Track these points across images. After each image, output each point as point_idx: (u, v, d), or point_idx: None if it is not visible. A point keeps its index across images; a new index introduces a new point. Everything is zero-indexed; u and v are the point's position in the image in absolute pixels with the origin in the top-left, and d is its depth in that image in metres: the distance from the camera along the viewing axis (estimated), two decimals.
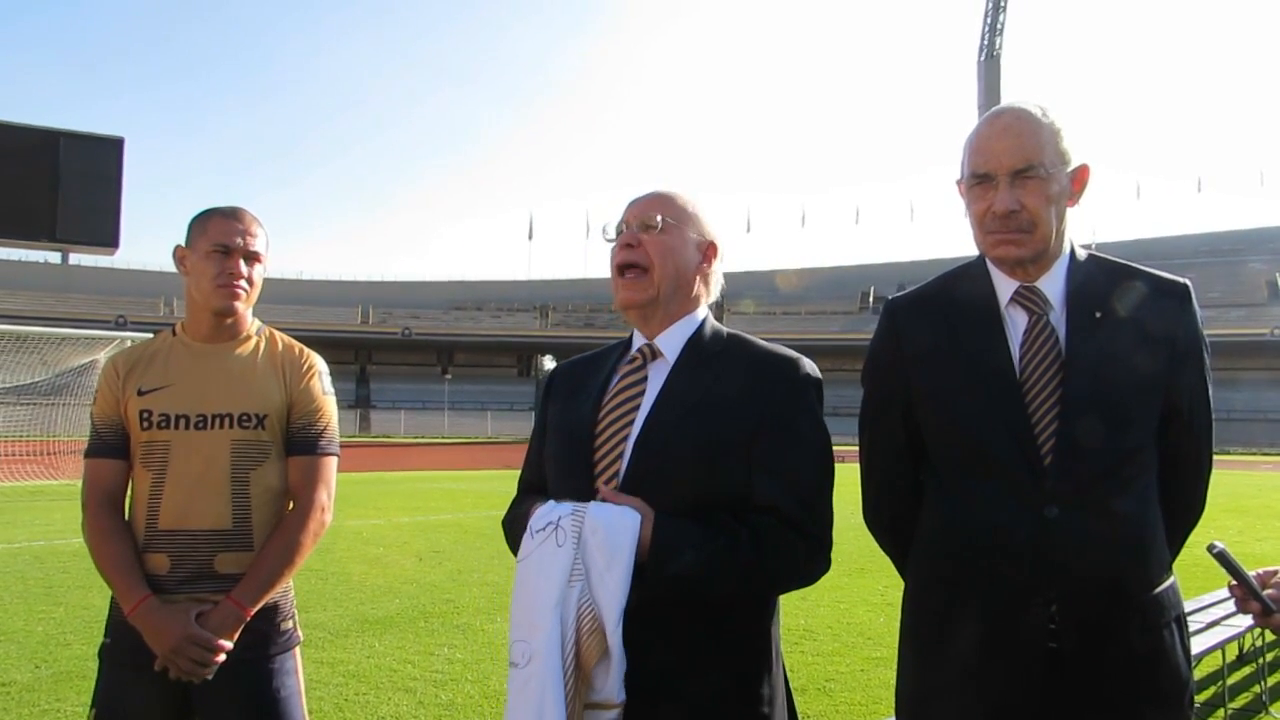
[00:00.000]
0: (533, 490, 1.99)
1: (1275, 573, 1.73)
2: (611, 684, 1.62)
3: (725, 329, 1.93)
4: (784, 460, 1.76)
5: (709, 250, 1.93)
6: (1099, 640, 1.77)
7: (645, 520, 1.67)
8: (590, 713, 1.64)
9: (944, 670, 1.88)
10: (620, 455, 1.79)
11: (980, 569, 1.84)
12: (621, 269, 1.88)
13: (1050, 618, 1.77)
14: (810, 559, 1.78)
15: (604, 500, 1.73)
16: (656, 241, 1.86)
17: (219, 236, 2.33)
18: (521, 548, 1.72)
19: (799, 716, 1.88)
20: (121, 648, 2.25)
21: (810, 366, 1.85)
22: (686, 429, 1.77)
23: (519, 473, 2.08)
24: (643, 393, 1.85)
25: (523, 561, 1.70)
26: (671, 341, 1.88)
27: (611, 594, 1.62)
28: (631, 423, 1.81)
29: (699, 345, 1.88)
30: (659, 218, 1.87)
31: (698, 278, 1.91)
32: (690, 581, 1.68)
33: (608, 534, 1.65)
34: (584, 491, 1.76)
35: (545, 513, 1.72)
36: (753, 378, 1.81)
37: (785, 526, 1.73)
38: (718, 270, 1.96)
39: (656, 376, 1.86)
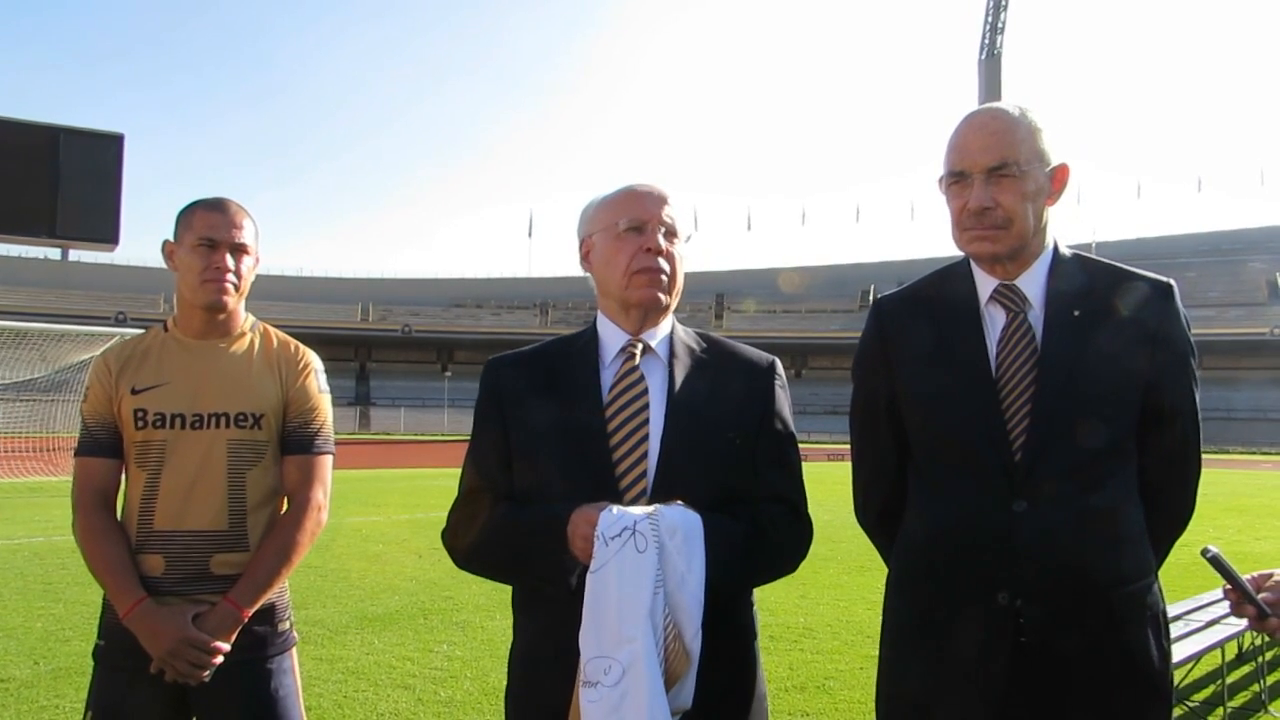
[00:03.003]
0: (500, 496, 1.86)
1: (1269, 576, 1.72)
2: (686, 691, 1.60)
3: (689, 328, 2.01)
4: (783, 453, 1.92)
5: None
6: (1067, 635, 1.77)
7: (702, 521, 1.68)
8: None
9: (917, 668, 1.89)
10: (645, 456, 1.78)
11: (951, 565, 1.86)
12: (652, 271, 1.85)
13: (1018, 613, 1.77)
14: (807, 541, 1.93)
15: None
16: (676, 251, 1.90)
17: (204, 230, 2.27)
18: (595, 558, 1.60)
19: (788, 717, 1.89)
20: (116, 650, 2.22)
21: (780, 364, 2.01)
22: (708, 430, 1.82)
23: (466, 477, 1.92)
24: (646, 390, 1.83)
25: (596, 572, 1.59)
26: (657, 337, 1.91)
27: (693, 597, 1.59)
28: (646, 422, 1.81)
29: (681, 342, 1.94)
30: (679, 226, 1.91)
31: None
32: (735, 578, 1.76)
33: (686, 536, 1.62)
34: (605, 493, 1.72)
35: (617, 519, 1.61)
36: (751, 379, 1.92)
37: (790, 513, 1.88)
38: None
39: (653, 374, 1.86)
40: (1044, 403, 1.80)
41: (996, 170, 1.82)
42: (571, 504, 1.69)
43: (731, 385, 1.88)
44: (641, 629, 1.54)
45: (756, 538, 1.79)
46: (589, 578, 1.60)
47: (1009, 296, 1.90)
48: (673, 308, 1.94)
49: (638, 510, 1.63)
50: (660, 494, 1.73)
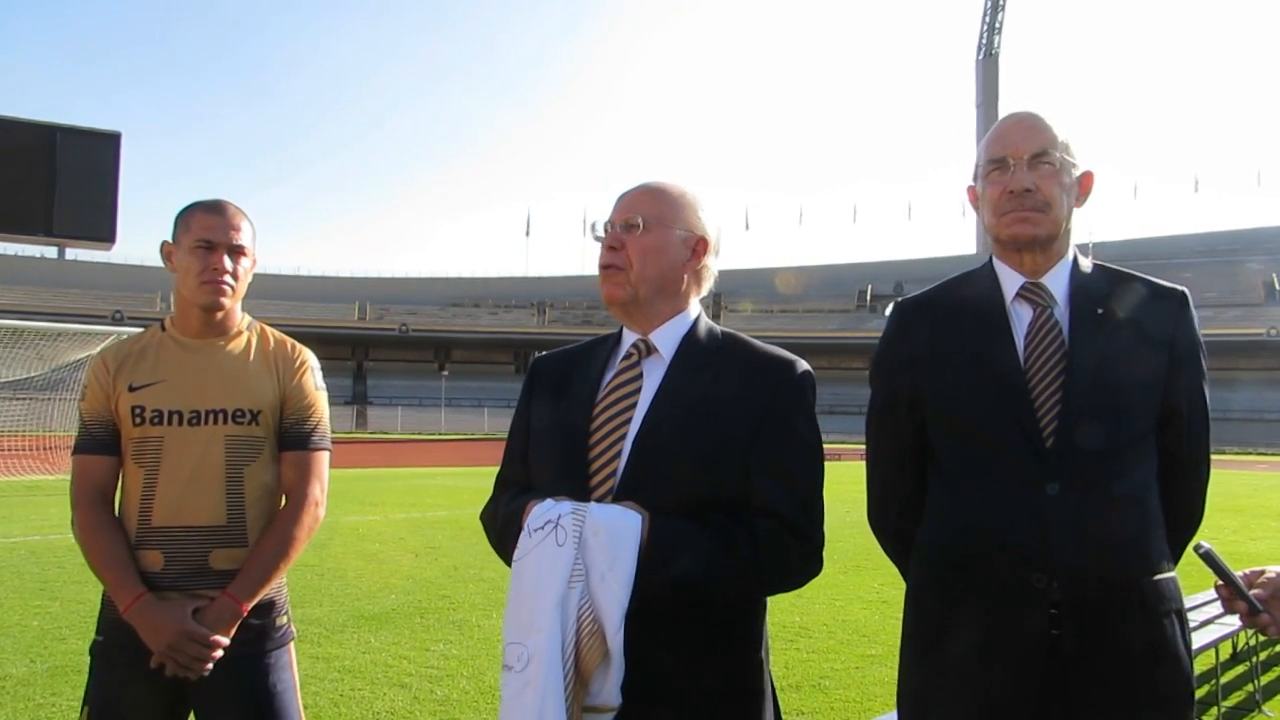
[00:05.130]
0: (511, 486, 1.92)
1: (1262, 572, 1.73)
2: (609, 688, 1.59)
3: (719, 327, 1.91)
4: (783, 463, 1.76)
5: (699, 245, 1.87)
6: (1098, 624, 1.80)
7: (643, 521, 1.64)
8: (587, 715, 1.61)
9: (946, 667, 1.90)
10: (618, 455, 1.75)
11: (982, 557, 1.87)
12: (603, 268, 1.85)
13: (1051, 601, 1.80)
14: (805, 562, 1.77)
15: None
16: (638, 243, 1.81)
17: (202, 232, 2.30)
18: (518, 547, 1.65)
19: (783, 715, 1.87)
20: (115, 645, 2.23)
21: (806, 368, 1.84)
22: (685, 430, 1.74)
23: (498, 469, 2.01)
24: (639, 390, 1.81)
25: (519, 561, 1.64)
26: (666, 338, 1.84)
27: (614, 596, 1.58)
28: (628, 422, 1.77)
29: (694, 343, 1.84)
30: (640, 218, 1.82)
31: (686, 275, 1.86)
32: (685, 583, 1.66)
33: (610, 534, 1.61)
34: (578, 493, 1.72)
35: (544, 511, 1.65)
36: (751, 379, 1.79)
37: (783, 529, 1.72)
38: (710, 264, 1.90)
39: (652, 374, 1.82)
40: (1074, 393, 1.85)
41: (1038, 157, 1.91)
42: (534, 495, 1.73)
43: (730, 387, 1.77)
44: (550, 620, 1.56)
45: (723, 550, 1.67)
46: (513, 566, 1.65)
47: (1035, 293, 1.95)
48: (645, 302, 1.83)
49: (567, 504, 1.65)
50: (626, 496, 1.71)
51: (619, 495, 1.72)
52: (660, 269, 1.83)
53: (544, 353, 2.04)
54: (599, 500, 1.72)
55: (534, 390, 1.96)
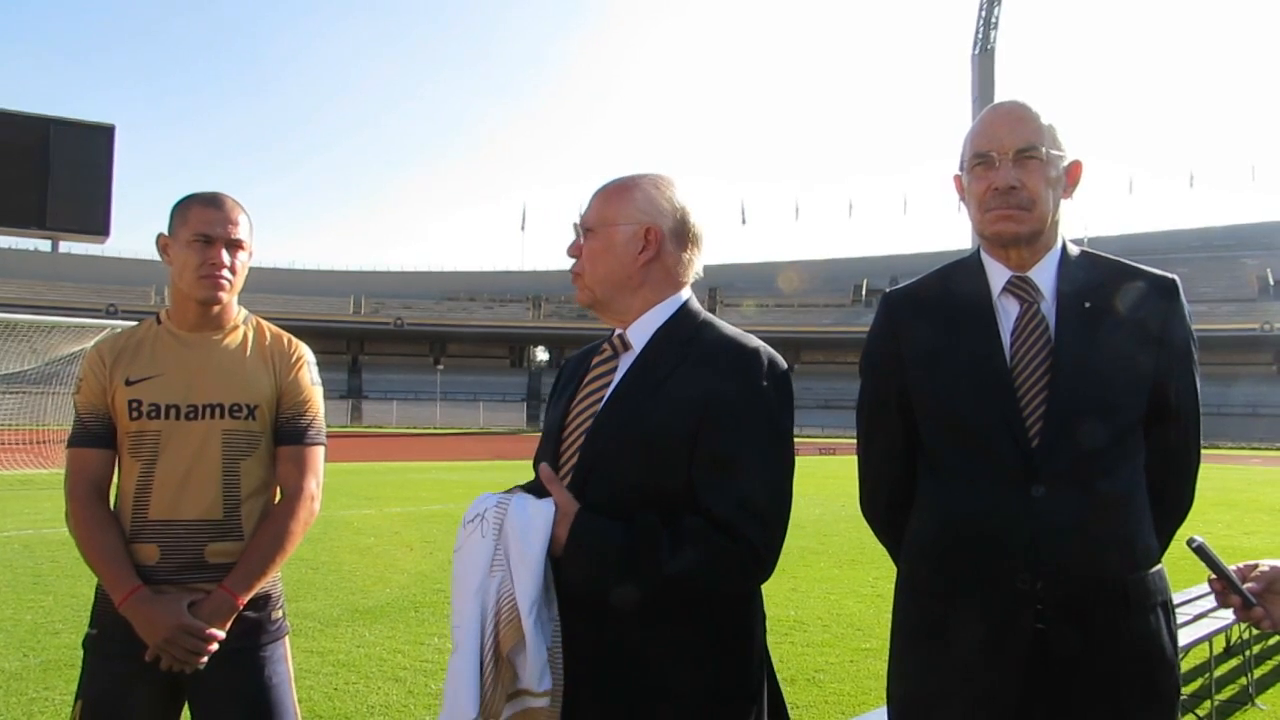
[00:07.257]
0: None
1: (1255, 566, 1.73)
2: (530, 672, 1.64)
3: (704, 316, 1.87)
4: (724, 459, 1.68)
5: (650, 235, 1.82)
6: (1084, 619, 1.79)
7: (564, 516, 1.68)
8: (524, 698, 1.66)
9: (935, 665, 1.89)
10: (579, 449, 1.79)
11: (970, 556, 1.87)
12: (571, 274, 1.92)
13: (1037, 597, 1.79)
14: (743, 565, 1.67)
15: (543, 485, 1.76)
16: (586, 248, 1.87)
17: (200, 226, 2.29)
18: (456, 538, 1.75)
19: (787, 709, 1.87)
20: (109, 638, 2.23)
21: (770, 357, 1.76)
22: (631, 423, 1.73)
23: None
24: (609, 385, 1.83)
25: (457, 552, 1.74)
26: (640, 331, 1.84)
27: (523, 584, 1.65)
28: (590, 418, 1.80)
29: (667, 334, 1.82)
30: (581, 225, 1.88)
31: (644, 267, 1.83)
32: (599, 581, 1.67)
33: (520, 526, 1.68)
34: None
35: (476, 504, 1.75)
36: (703, 369, 1.73)
37: (711, 529, 1.64)
38: (674, 250, 1.85)
39: (623, 368, 1.84)
40: (1060, 391, 1.83)
41: (1023, 153, 1.88)
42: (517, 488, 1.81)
43: (683, 378, 1.74)
44: (470, 608, 1.66)
45: (644, 548, 1.64)
46: (453, 557, 1.75)
47: (1022, 288, 1.93)
48: (605, 302, 1.86)
49: (494, 497, 1.74)
50: (576, 490, 1.75)
51: (571, 489, 1.75)
52: (609, 269, 1.84)
53: (575, 352, 2.08)
54: None
55: (554, 390, 2.02)
